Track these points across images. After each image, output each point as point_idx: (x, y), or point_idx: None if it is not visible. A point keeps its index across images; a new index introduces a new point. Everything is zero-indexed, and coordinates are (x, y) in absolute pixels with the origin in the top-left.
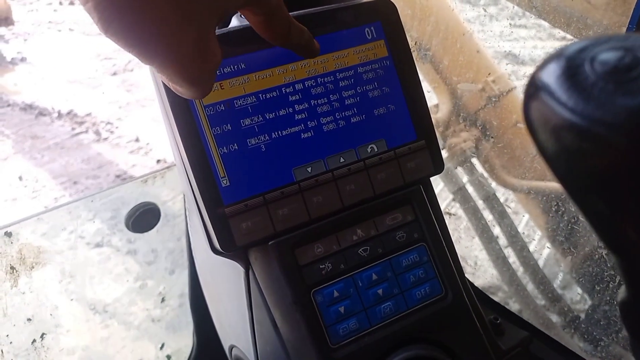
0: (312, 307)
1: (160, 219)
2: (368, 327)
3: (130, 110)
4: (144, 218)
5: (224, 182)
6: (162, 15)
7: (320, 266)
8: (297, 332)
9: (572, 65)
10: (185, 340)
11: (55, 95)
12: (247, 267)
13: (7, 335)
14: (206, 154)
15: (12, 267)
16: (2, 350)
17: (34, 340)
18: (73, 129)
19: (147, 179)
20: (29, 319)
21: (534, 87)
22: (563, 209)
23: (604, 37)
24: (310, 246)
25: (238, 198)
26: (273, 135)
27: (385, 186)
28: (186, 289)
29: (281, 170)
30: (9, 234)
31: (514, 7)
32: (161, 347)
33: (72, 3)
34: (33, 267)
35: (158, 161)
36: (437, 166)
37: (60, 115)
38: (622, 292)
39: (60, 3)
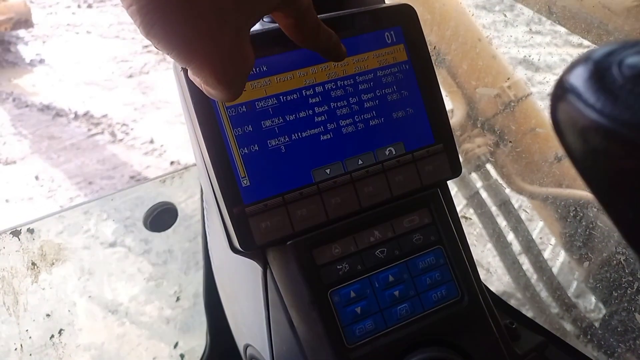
0: (328, 307)
1: (178, 219)
2: (384, 328)
3: (146, 112)
4: (161, 217)
5: (245, 182)
6: (202, 18)
7: (338, 266)
8: (314, 331)
9: (599, 68)
10: (198, 340)
11: (72, 97)
12: (265, 266)
13: (27, 330)
14: (227, 154)
15: (33, 263)
16: (21, 345)
17: (52, 336)
18: (89, 130)
19: (165, 179)
20: (48, 315)
21: (562, 89)
22: (581, 215)
23: (632, 41)
24: (327, 247)
25: (258, 198)
26: (293, 137)
27: (402, 189)
28: (200, 289)
29: (300, 171)
30: (31, 231)
31: (533, 13)
32: (175, 346)
33: (90, 6)
34: (53, 264)
35: (172, 163)
36: (455, 169)
37: (76, 117)
38: None
39: (79, 6)
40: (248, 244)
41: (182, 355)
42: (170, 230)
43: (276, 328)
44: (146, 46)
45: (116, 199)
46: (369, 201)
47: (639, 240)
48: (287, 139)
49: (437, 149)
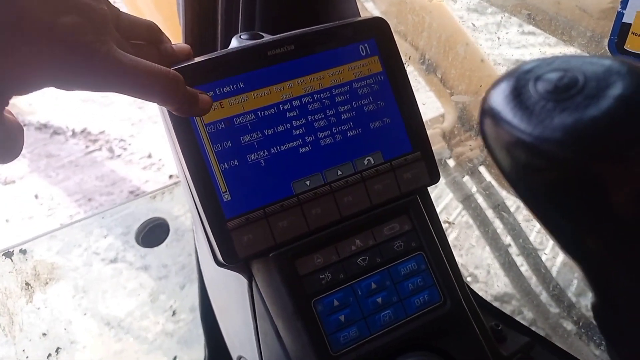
0: (312, 317)
1: (170, 234)
2: (368, 335)
3: (142, 127)
4: (153, 233)
5: (226, 196)
6: None
7: (320, 276)
8: (299, 341)
9: (518, 85)
10: (196, 353)
11: (69, 114)
12: (250, 278)
13: (24, 350)
14: (208, 170)
15: (27, 284)
16: None
17: (49, 355)
18: (87, 146)
19: (155, 195)
20: (44, 334)
21: (487, 105)
22: None
23: (551, 58)
24: (310, 257)
25: (239, 212)
26: (272, 151)
27: (382, 197)
28: (196, 303)
29: (280, 184)
30: (23, 251)
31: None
32: None
33: None
34: (47, 283)
35: (170, 176)
36: (433, 176)
37: (74, 134)
38: (591, 297)
39: None
40: (231, 257)
41: None
42: (163, 245)
43: (264, 339)
44: None
45: (107, 216)
46: (349, 210)
47: (574, 249)
48: (266, 153)
49: (415, 157)
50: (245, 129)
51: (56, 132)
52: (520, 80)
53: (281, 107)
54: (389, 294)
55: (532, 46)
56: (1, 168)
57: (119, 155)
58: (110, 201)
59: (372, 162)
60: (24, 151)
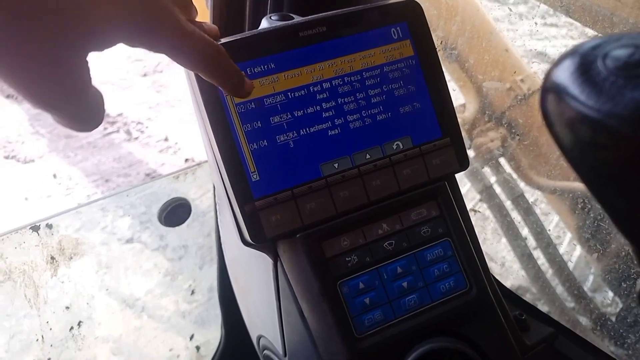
0: (338, 298)
1: (191, 215)
2: (393, 319)
3: (160, 110)
4: (175, 213)
5: (254, 176)
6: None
7: (347, 258)
8: (324, 322)
9: (585, 62)
10: (213, 332)
11: None
12: (276, 259)
13: (47, 322)
14: (237, 150)
15: (52, 257)
16: (42, 336)
17: (72, 328)
18: (105, 128)
19: (178, 175)
20: (67, 307)
21: (550, 82)
22: (590, 206)
23: (617, 35)
24: (336, 239)
25: (267, 192)
26: (301, 132)
27: (410, 182)
28: (215, 283)
29: (309, 165)
30: (50, 226)
31: (539, 5)
32: (191, 338)
33: None
34: (72, 258)
35: (186, 160)
36: (462, 163)
37: None
38: (638, 282)
39: None
40: (258, 237)
41: (197, 347)
42: (184, 225)
43: (287, 319)
44: None
45: (131, 194)
46: (377, 194)
47: (629, 228)
48: (295, 134)
49: (445, 143)
50: (275, 109)
51: None
52: (587, 57)
53: (311, 89)
54: (414, 278)
55: (555, 38)
56: (20, 147)
57: (136, 138)
58: (127, 183)
59: (401, 146)
60: (42, 131)
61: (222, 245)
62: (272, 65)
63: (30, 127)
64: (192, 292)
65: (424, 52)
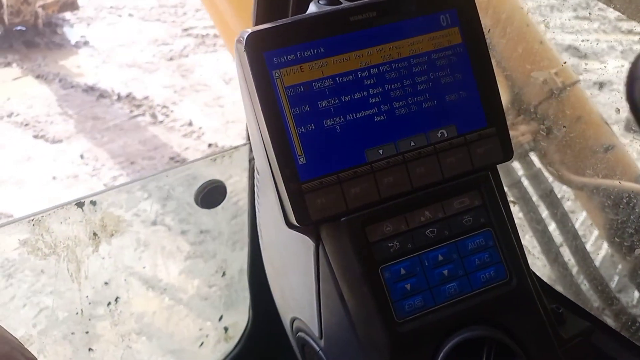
0: (379, 283)
1: (226, 197)
2: (433, 306)
3: (185, 94)
4: (211, 195)
5: (301, 159)
6: None
7: (389, 244)
8: (364, 305)
9: None
10: (242, 314)
11: (115, 78)
12: (318, 242)
13: (87, 297)
14: (286, 133)
15: (94, 234)
16: (82, 310)
17: (109, 303)
18: (131, 111)
19: (215, 158)
20: (106, 283)
21: (638, 70)
22: (635, 202)
23: None
24: (379, 224)
25: (314, 175)
26: (348, 117)
27: (454, 171)
28: (245, 265)
29: (354, 150)
30: (93, 203)
31: None
32: (220, 319)
33: None
34: (112, 235)
35: (210, 145)
36: (507, 153)
37: (119, 98)
38: None
39: None
40: (304, 219)
41: (226, 328)
42: (219, 207)
43: (326, 301)
44: (186, 29)
45: (171, 175)
46: (421, 182)
47: None
48: (342, 119)
49: (490, 132)
50: (323, 94)
51: (102, 95)
52: None
53: (359, 74)
54: (455, 267)
55: (587, 32)
56: (49, 127)
57: (161, 122)
58: (152, 165)
59: (446, 135)
60: (71, 111)
61: (258, 228)
62: (322, 50)
63: (59, 108)
64: (223, 274)
65: (473, 40)
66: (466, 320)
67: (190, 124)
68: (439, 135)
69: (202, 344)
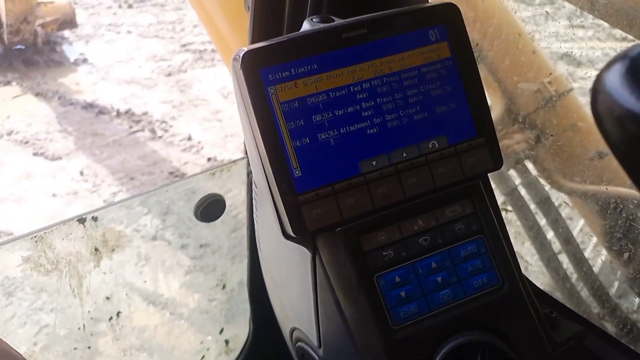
0: (375, 291)
1: (225, 211)
2: (427, 312)
3: (184, 110)
4: (211, 208)
5: (297, 172)
6: None
7: (383, 253)
8: (361, 313)
9: (635, 65)
10: (242, 327)
11: (114, 95)
12: (314, 252)
13: (89, 312)
14: (281, 147)
15: (96, 249)
16: (84, 325)
17: (111, 318)
18: (130, 127)
19: (214, 172)
20: (107, 298)
21: (602, 83)
22: (621, 207)
23: None
24: (374, 234)
25: (309, 187)
26: (341, 131)
27: (445, 180)
28: (245, 278)
29: (348, 163)
30: (95, 218)
31: (575, 7)
32: (220, 332)
33: (130, 6)
34: (113, 250)
35: (209, 159)
36: (496, 162)
37: (118, 114)
38: None
39: (120, 6)
40: (300, 230)
41: (227, 341)
42: (218, 221)
43: (324, 310)
44: (184, 45)
45: (170, 190)
46: (413, 191)
47: None
48: (336, 133)
49: (479, 142)
50: (317, 108)
51: (101, 111)
52: (636, 60)
53: (352, 89)
54: (448, 274)
55: (581, 40)
56: (49, 144)
57: (160, 137)
58: (151, 181)
59: (437, 145)
60: (70, 128)
61: (257, 240)
62: (315, 66)
63: (58, 125)
64: (223, 287)
65: (461, 54)
66: (460, 326)
67: (189, 138)
68: (430, 146)
69: (203, 357)
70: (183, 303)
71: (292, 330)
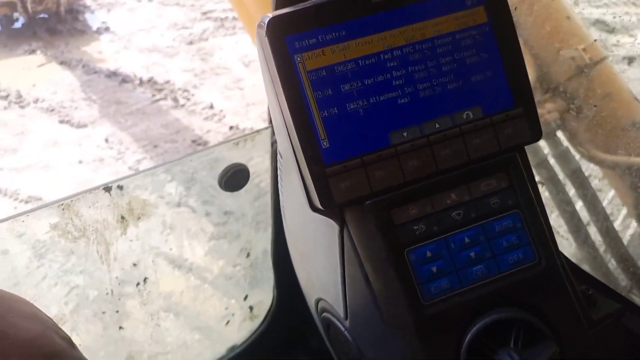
0: (405, 265)
1: (249, 180)
2: (459, 288)
3: (205, 78)
4: (235, 178)
5: (324, 143)
6: None
7: (414, 227)
8: (390, 287)
9: None
10: (266, 294)
11: (136, 63)
12: (342, 225)
13: (116, 278)
14: (309, 117)
15: (122, 217)
16: (112, 290)
17: (138, 284)
18: (153, 95)
19: (238, 142)
20: (134, 264)
21: None
22: None
23: None
24: (405, 207)
25: (337, 159)
26: (371, 100)
27: (480, 152)
28: (269, 246)
29: (378, 134)
30: (120, 187)
31: None
32: (245, 299)
33: None
34: (139, 218)
35: (231, 128)
36: (535, 134)
37: (141, 83)
38: None
39: None
40: (328, 203)
41: (251, 307)
42: (242, 190)
43: (351, 283)
44: (205, 13)
45: (194, 159)
46: (446, 164)
47: None
48: (365, 102)
49: (517, 113)
50: (346, 77)
51: (125, 80)
52: None
53: (382, 57)
54: (482, 249)
55: (615, 5)
56: (74, 112)
57: (182, 105)
58: (174, 148)
59: (471, 116)
60: (94, 97)
61: (282, 210)
62: (344, 33)
63: (83, 93)
64: (248, 255)
65: (498, 19)
66: (494, 303)
67: (211, 107)
68: (464, 116)
69: (228, 322)
70: (208, 270)
71: (318, 300)
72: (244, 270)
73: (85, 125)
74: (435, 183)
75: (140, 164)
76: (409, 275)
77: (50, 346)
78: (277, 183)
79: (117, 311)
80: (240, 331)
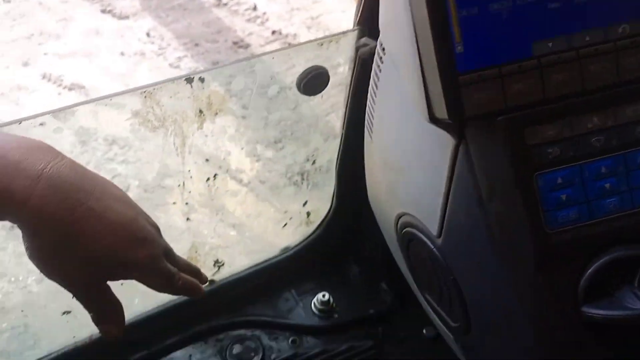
0: (532, 189)
1: (328, 85)
2: (588, 220)
3: None
4: (314, 82)
5: (459, 48)
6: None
7: (548, 149)
8: (511, 211)
9: None
10: (325, 202)
11: None
12: (459, 140)
13: (189, 171)
14: (445, 15)
15: (200, 111)
16: (183, 183)
17: (208, 179)
18: None
19: (322, 43)
20: (207, 160)
21: None
22: None
23: None
24: (540, 127)
25: (473, 67)
26: (517, 2)
27: (633, 73)
28: (334, 156)
29: (520, 42)
30: (202, 79)
31: None
32: (304, 204)
33: None
34: (216, 114)
35: (273, 32)
36: None
37: None
38: None
39: None
40: (456, 114)
41: (308, 213)
42: (319, 95)
43: (456, 201)
44: None
45: (277, 57)
46: (594, 83)
47: None
48: (510, 4)
49: None
50: None
51: None
52: None
53: None
54: (618, 181)
55: None
56: (116, 2)
57: (225, 4)
58: (215, 49)
59: (629, 31)
60: None
61: (367, 119)
62: None
63: None
64: (313, 162)
65: None
66: (623, 239)
67: (255, 8)
68: (620, 30)
69: (285, 224)
70: (274, 172)
71: (400, 215)
72: (308, 177)
73: (127, 17)
74: (577, 103)
75: (181, 61)
76: (535, 200)
77: (141, 231)
78: (356, 91)
79: (186, 203)
80: (294, 235)
